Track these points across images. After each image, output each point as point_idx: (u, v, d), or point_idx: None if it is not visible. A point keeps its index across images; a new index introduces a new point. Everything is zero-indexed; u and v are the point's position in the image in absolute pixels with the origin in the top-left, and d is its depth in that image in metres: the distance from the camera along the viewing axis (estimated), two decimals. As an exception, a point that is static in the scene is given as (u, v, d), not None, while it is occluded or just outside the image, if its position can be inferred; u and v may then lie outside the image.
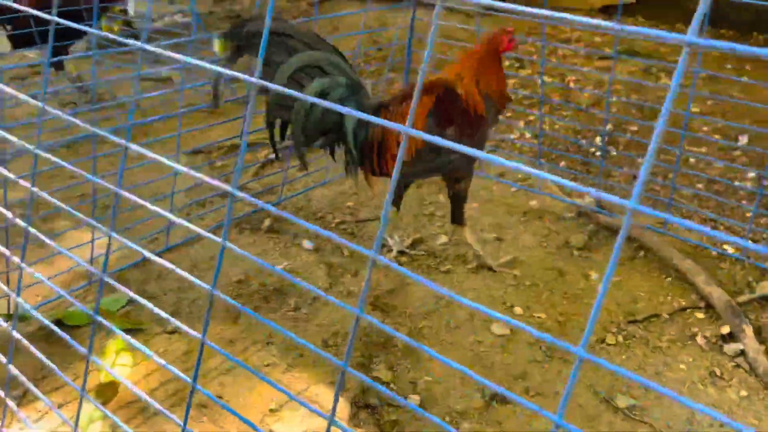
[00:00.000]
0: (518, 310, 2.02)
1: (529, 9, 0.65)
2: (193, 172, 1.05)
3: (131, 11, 3.98)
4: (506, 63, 4.02)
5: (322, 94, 1.88)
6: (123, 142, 1.07)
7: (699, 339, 1.90)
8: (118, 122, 3.20)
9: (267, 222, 2.37)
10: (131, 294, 1.17)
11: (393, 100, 2.01)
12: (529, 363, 1.82)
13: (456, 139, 1.93)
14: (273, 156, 2.14)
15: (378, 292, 2.06)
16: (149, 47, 1.04)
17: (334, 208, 2.57)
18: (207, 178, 1.02)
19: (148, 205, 1.13)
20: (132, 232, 2.30)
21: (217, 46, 4.41)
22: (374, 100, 2.03)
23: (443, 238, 2.38)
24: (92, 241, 1.94)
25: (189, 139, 3.08)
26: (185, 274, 1.08)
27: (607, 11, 4.87)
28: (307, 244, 2.27)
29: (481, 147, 2.03)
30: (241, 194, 0.93)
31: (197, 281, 1.04)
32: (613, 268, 0.64)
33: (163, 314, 1.10)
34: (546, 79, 3.50)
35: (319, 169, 2.86)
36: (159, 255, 2.17)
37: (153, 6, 4.03)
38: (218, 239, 0.95)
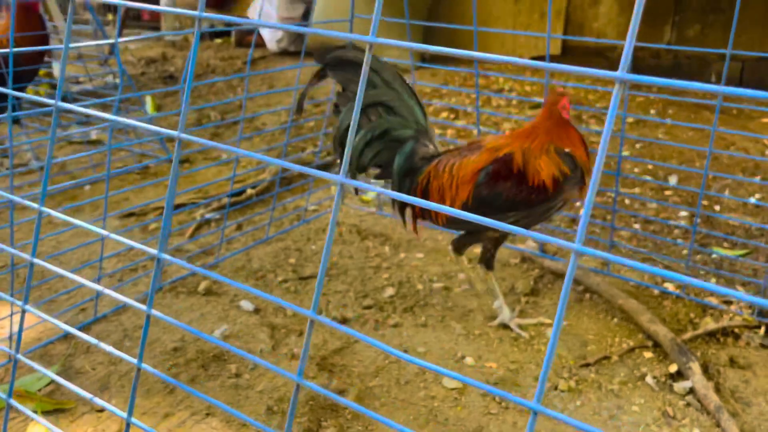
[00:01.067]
0: (470, 360, 1.98)
1: (468, 52, 0.63)
2: (118, 237, 0.97)
3: (55, 73, 3.87)
4: (443, 114, 4.10)
5: (385, 133, 1.91)
6: (36, 206, 0.99)
7: (649, 379, 1.89)
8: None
9: (204, 284, 2.27)
10: (48, 374, 1.06)
11: (452, 152, 2.00)
12: (484, 416, 1.76)
13: (508, 201, 1.90)
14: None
15: (324, 352, 1.98)
16: (68, 106, 0.98)
17: (276, 266, 2.49)
18: (133, 243, 0.94)
19: (69, 275, 1.04)
20: (58, 301, 2.15)
21: (149, 105, 4.33)
22: (431, 149, 2.01)
23: (390, 291, 2.33)
24: (10, 315, 1.80)
25: (122, 200, 2.96)
26: (109, 348, 0.99)
27: (535, 60, 5.07)
28: (246, 305, 2.17)
29: (541, 218, 1.97)
30: (168, 257, 0.86)
31: (123, 356, 0.95)
32: (560, 319, 0.61)
33: (85, 394, 1.00)
34: (482, 128, 3.57)
35: (259, 225, 2.78)
36: (88, 325, 2.03)
37: (82, 68, 3.93)
38: (144, 308, 0.87)
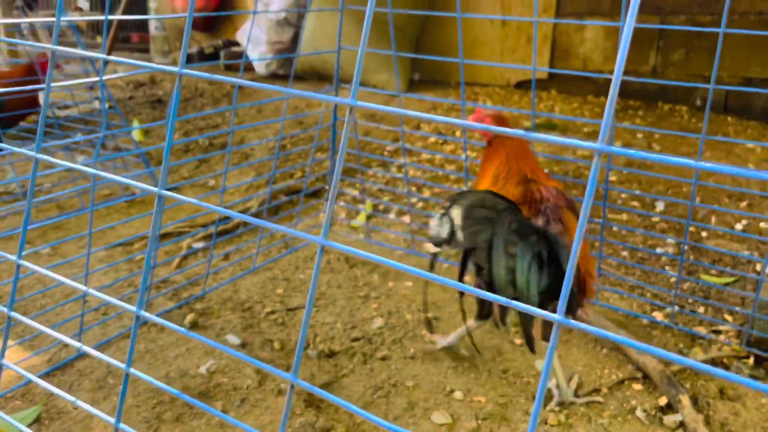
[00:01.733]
0: (458, 394, 1.96)
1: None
2: (98, 294, 0.96)
3: (40, 99, 3.85)
4: (431, 139, 4.11)
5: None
6: (14, 258, 0.97)
7: (638, 412, 1.88)
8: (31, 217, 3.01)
9: (190, 317, 2.24)
10: (19, 425, 1.04)
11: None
12: (474, 453, 1.74)
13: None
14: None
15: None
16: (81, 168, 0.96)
17: (263, 297, 2.47)
18: (113, 300, 0.93)
19: (40, 328, 1.02)
20: (41, 337, 2.11)
21: (136, 133, 4.31)
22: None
23: (379, 322, 2.31)
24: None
25: (109, 231, 2.93)
26: (85, 406, 0.97)
27: (522, 86, 5.11)
28: (233, 339, 2.14)
29: None
30: (147, 315, 0.85)
31: (100, 414, 0.93)
32: (547, 371, 0.60)
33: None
34: (469, 154, 3.58)
35: (246, 255, 2.76)
36: (71, 362, 1.99)
37: (69, 93, 3.91)
38: (122, 366, 0.85)
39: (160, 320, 0.82)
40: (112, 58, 0.88)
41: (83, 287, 0.90)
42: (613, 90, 0.52)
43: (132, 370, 0.83)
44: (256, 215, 3.11)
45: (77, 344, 0.92)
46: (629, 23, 0.52)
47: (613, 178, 3.36)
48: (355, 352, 2.15)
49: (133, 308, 0.83)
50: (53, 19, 1.15)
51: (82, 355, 2.03)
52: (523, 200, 1.88)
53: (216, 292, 2.47)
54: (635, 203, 3.14)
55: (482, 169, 1.99)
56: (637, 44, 4.48)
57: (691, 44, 4.35)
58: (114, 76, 1.97)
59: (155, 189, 0.80)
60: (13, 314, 0.94)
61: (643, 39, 4.49)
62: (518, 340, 2.22)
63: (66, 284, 0.95)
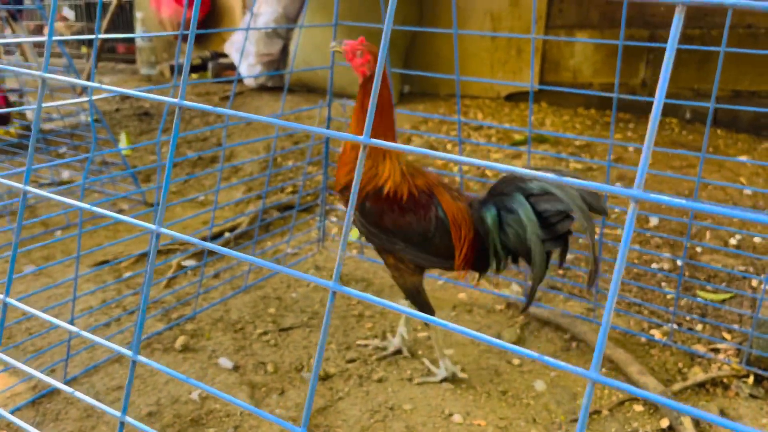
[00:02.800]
0: (457, 418, 1.92)
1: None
2: (88, 335, 0.91)
3: (28, 115, 3.78)
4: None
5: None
6: (1, 296, 0.92)
7: (641, 435, 1.85)
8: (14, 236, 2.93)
9: (180, 340, 2.18)
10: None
11: None
12: (474, 480, 1.70)
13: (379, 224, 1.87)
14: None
15: (307, 411, 1.90)
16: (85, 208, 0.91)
17: (255, 317, 2.41)
18: (104, 341, 0.88)
19: (17, 368, 0.97)
20: (28, 363, 2.04)
21: (124, 142, 4.24)
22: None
23: (374, 341, 2.27)
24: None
25: (95, 245, 2.86)
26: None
27: (512, 98, 5.10)
28: (225, 362, 2.09)
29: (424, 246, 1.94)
30: (143, 359, 0.80)
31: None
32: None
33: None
34: (464, 168, 3.56)
35: (238, 274, 2.71)
36: (52, 392, 1.92)
37: (54, 107, 3.84)
38: (116, 414, 0.81)
39: (158, 365, 0.78)
40: (106, 87, 0.84)
41: (73, 328, 0.86)
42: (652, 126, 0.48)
43: (128, 419, 0.78)
44: (248, 232, 3.06)
45: (54, 382, 0.87)
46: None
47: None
48: (351, 374, 2.10)
49: (128, 352, 0.79)
50: (42, 38, 1.10)
51: (70, 381, 1.96)
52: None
53: (207, 312, 2.41)
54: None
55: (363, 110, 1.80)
56: (627, 57, 4.50)
57: (680, 57, 4.37)
58: (100, 97, 1.92)
59: (153, 227, 0.75)
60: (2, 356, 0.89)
61: (633, 52, 4.50)
62: (516, 360, 2.19)
63: (55, 323, 0.91)
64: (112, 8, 5.12)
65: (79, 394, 0.84)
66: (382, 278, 2.71)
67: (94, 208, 0.82)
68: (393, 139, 1.85)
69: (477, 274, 2.00)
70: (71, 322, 1.93)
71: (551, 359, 0.63)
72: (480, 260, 1.93)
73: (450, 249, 1.89)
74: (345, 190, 1.88)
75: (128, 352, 0.78)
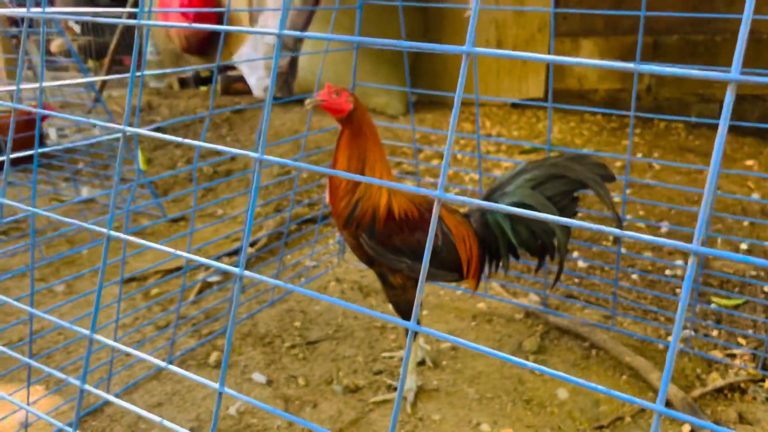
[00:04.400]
0: (485, 427, 1.98)
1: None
2: (129, 349, 0.97)
3: (53, 137, 3.86)
4: (435, 160, 4.16)
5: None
6: (29, 309, 0.99)
7: (663, 440, 1.92)
8: (39, 252, 3.01)
9: (214, 355, 2.25)
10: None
11: None
12: (506, 488, 1.76)
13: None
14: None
15: (340, 424, 1.97)
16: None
17: (282, 330, 2.48)
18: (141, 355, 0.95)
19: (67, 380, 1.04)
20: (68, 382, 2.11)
21: (140, 159, 4.31)
22: None
23: (400, 353, 2.34)
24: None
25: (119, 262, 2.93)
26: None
27: (519, 105, 5.18)
28: (258, 377, 2.16)
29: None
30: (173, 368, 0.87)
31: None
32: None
33: None
34: (474, 182, 3.62)
35: (261, 292, 2.77)
36: (101, 407, 2.00)
37: (71, 123, 3.92)
38: (155, 418, 0.88)
39: (241, 394, 0.84)
40: (144, 131, 0.91)
41: (112, 342, 0.93)
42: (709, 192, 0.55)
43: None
44: (266, 243, 3.13)
45: (105, 395, 0.94)
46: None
47: (617, 200, 3.41)
48: (380, 386, 2.17)
49: (160, 362, 0.85)
50: (126, 75, 1.17)
51: (108, 402, 2.03)
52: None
53: (235, 327, 2.48)
54: (640, 224, 3.19)
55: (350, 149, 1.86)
56: (632, 62, 4.56)
57: (684, 62, 4.45)
58: (95, 124, 1.99)
59: (237, 270, 0.82)
60: (35, 363, 0.96)
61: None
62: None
63: (105, 343, 0.97)
64: (120, 28, 5.19)
65: (130, 406, 0.91)
66: (402, 289, 2.78)
67: (131, 238, 0.89)
68: (386, 166, 1.91)
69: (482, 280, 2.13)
70: (113, 345, 2.00)
71: (614, 391, 0.70)
72: (485, 265, 2.08)
73: (456, 261, 2.00)
74: (348, 225, 1.90)
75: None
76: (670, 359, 0.61)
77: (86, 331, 0.95)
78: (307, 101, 1.81)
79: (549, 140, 2.20)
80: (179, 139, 0.97)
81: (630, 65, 0.61)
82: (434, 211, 0.72)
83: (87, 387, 0.95)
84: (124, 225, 1.76)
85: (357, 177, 0.74)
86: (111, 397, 0.99)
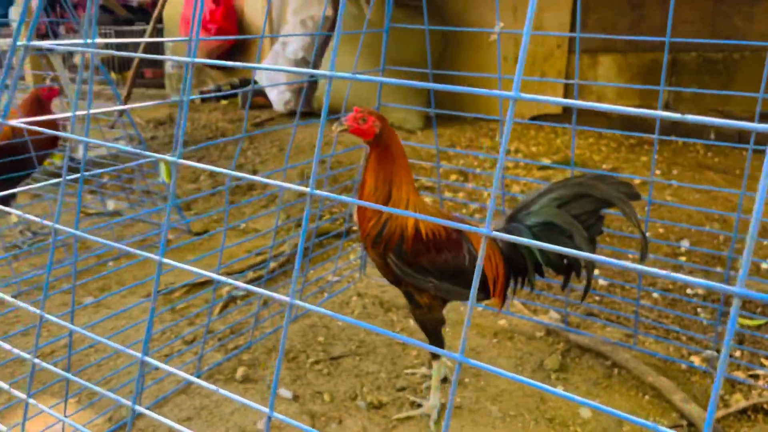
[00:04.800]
0: (509, 445, 2.01)
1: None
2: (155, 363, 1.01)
3: (80, 151, 3.92)
4: (452, 176, 4.19)
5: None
6: (69, 326, 1.03)
7: (687, 461, 1.93)
8: (68, 265, 3.07)
9: (240, 371, 2.29)
10: None
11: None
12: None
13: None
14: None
15: (366, 440, 2.01)
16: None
17: (306, 346, 2.52)
18: (171, 371, 0.98)
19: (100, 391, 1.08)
20: (100, 395, 2.16)
21: (163, 172, 4.38)
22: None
23: (422, 370, 2.37)
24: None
25: (146, 276, 2.99)
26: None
27: (536, 119, 5.21)
28: (284, 393, 2.20)
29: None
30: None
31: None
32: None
33: None
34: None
35: (285, 306, 2.81)
36: (132, 421, 2.04)
37: (98, 131, 4.00)
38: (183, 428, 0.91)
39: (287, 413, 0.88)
40: (191, 163, 0.95)
41: (140, 355, 0.97)
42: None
43: (266, 468, 0.88)
44: (290, 259, 3.18)
45: (144, 410, 0.98)
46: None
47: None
48: (403, 402, 2.20)
49: (190, 376, 0.89)
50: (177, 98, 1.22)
51: (141, 414, 2.07)
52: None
53: (260, 342, 2.52)
54: (659, 240, 3.21)
55: (381, 170, 1.89)
56: (650, 80, 4.59)
57: (702, 80, 4.46)
58: (107, 142, 2.04)
59: (287, 299, 0.86)
60: (74, 378, 1.00)
61: (656, 74, 4.59)
62: (560, 386, 2.28)
63: (135, 356, 1.01)
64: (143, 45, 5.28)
65: (164, 420, 0.95)
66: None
67: (181, 265, 0.93)
68: (413, 188, 1.94)
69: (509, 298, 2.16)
70: (141, 363, 2.05)
71: (638, 419, 0.73)
72: (511, 284, 2.12)
73: (482, 281, 2.01)
74: (376, 245, 1.93)
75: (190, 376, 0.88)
76: (712, 405, 0.64)
77: (139, 354, 0.99)
78: (334, 127, 1.85)
79: (573, 161, 2.23)
80: (214, 168, 1.02)
81: (678, 115, 0.64)
82: (481, 248, 0.75)
83: (139, 408, 1.00)
84: (161, 246, 1.80)
85: (392, 210, 0.78)
86: (156, 415, 1.03)
